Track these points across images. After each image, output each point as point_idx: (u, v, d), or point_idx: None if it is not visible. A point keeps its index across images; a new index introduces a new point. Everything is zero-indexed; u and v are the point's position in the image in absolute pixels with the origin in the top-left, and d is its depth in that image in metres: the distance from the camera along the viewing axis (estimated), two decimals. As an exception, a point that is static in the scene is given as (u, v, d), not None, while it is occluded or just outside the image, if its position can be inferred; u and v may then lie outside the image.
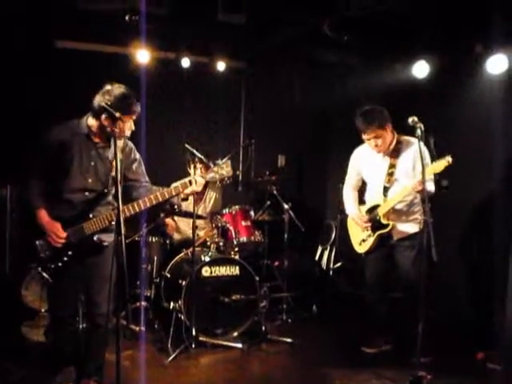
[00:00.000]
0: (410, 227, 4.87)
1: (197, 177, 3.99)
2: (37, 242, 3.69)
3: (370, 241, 5.01)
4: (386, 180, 4.88)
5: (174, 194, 3.89)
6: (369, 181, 5.13)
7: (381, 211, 4.87)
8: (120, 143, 3.61)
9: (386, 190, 4.88)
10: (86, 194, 3.80)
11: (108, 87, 3.70)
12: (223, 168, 4.11)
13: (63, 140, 3.73)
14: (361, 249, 5.15)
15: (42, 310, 5.80)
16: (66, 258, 3.74)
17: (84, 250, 3.78)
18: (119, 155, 3.32)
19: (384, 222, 4.86)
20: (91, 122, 3.77)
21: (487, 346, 4.84)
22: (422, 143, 4.18)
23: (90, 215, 3.76)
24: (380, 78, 6.46)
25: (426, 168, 4.32)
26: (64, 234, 3.71)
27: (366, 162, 5.10)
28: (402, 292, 5.11)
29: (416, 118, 4.16)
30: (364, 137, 4.87)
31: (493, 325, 4.95)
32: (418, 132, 4.12)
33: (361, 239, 5.11)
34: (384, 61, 6.49)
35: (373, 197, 5.04)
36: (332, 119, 7.89)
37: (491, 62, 5.43)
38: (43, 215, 3.71)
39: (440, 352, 4.77)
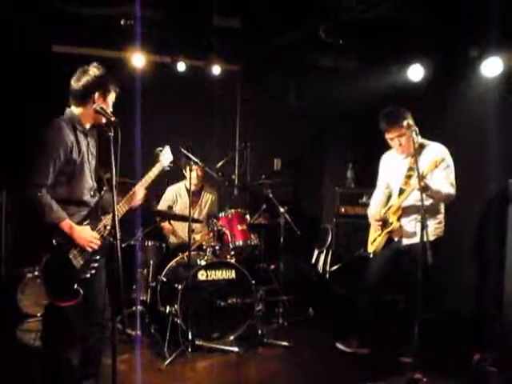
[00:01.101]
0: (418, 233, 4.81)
1: (137, 187, 3.87)
2: (70, 256, 3.50)
3: (379, 240, 5.03)
4: (404, 182, 4.87)
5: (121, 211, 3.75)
6: (391, 184, 5.11)
7: (391, 211, 4.91)
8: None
9: (401, 192, 4.87)
10: (96, 193, 3.72)
11: (81, 69, 3.62)
12: (160, 160, 4.05)
13: (70, 137, 3.53)
14: (371, 248, 5.17)
15: (38, 315, 5.80)
16: (96, 264, 3.62)
17: (104, 252, 3.67)
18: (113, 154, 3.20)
19: (390, 220, 4.89)
20: (77, 110, 3.62)
21: (484, 347, 4.85)
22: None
23: (102, 217, 3.68)
24: (375, 81, 6.47)
25: (427, 166, 4.33)
26: (98, 235, 3.59)
27: (388, 165, 5.12)
28: (402, 294, 5.10)
29: (411, 121, 4.18)
30: (387, 136, 4.85)
31: (490, 327, 4.96)
32: (413, 134, 4.14)
33: (373, 238, 5.15)
34: (379, 64, 6.51)
35: (392, 199, 5.06)
36: (328, 123, 7.90)
37: (486, 65, 5.45)
38: (71, 225, 3.50)
39: (436, 354, 4.78)
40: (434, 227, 4.79)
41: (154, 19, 5.90)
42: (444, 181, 4.62)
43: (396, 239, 4.97)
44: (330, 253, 6.87)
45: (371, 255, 5.21)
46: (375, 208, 5.20)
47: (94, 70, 3.60)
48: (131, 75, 6.29)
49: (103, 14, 5.88)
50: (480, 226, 5.65)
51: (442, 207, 4.88)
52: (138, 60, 6.38)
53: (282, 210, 6.06)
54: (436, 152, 4.66)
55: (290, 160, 7.94)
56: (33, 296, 5.83)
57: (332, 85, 7.47)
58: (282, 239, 6.08)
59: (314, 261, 7.16)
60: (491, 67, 5.42)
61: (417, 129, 4.15)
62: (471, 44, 5.55)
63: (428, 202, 4.65)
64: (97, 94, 3.57)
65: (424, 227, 3.98)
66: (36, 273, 5.90)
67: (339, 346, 5.14)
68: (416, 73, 6.06)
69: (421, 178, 4.25)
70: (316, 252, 7.17)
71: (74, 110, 3.63)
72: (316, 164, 8.09)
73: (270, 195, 6.17)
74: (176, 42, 6.53)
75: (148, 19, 5.77)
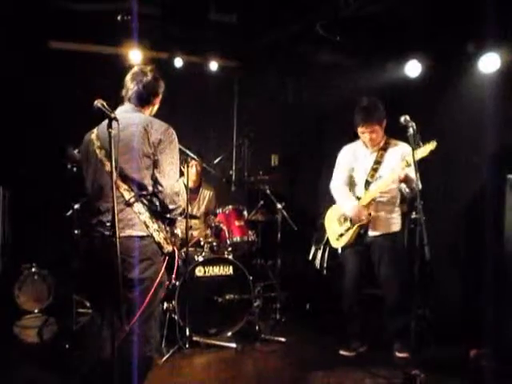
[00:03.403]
0: (389, 225, 4.93)
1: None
2: (180, 263, 3.52)
3: (349, 234, 5.01)
4: (370, 175, 4.95)
5: None
6: (355, 175, 5.14)
7: (361, 203, 4.91)
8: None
9: (367, 184, 4.95)
10: None
11: (140, 68, 3.61)
12: None
13: None
14: (338, 244, 5.17)
15: (35, 311, 5.81)
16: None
17: None
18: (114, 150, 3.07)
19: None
20: (146, 112, 3.62)
21: (480, 343, 4.86)
22: (414, 139, 4.19)
23: None
24: (372, 77, 6.46)
25: (416, 151, 4.27)
26: None
27: (354, 156, 5.14)
28: (381, 289, 5.12)
29: (408, 117, 4.17)
30: (360, 130, 4.93)
31: (486, 322, 4.96)
32: (411, 131, 4.14)
33: (338, 234, 5.14)
34: (376, 61, 6.50)
35: (357, 191, 5.08)
36: (325, 119, 7.89)
37: (483, 61, 5.45)
38: None
39: (433, 350, 4.80)
40: (400, 219, 4.98)
41: (151, 15, 5.89)
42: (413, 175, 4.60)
43: (362, 231, 4.98)
44: (327, 249, 6.86)
45: (340, 251, 5.20)
46: (350, 199, 5.05)
47: (153, 73, 3.61)
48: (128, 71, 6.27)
49: (100, 10, 5.86)
50: (477, 221, 5.65)
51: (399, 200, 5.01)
52: (135, 56, 6.37)
53: (279, 206, 6.07)
54: (404, 149, 4.82)
55: (288, 156, 7.93)
56: (30, 292, 5.84)
57: (329, 81, 7.46)
58: (279, 235, 6.09)
59: (311, 257, 7.15)
60: (488, 63, 5.42)
61: (414, 124, 4.14)
62: (468, 40, 5.54)
63: (388, 195, 4.88)
64: (158, 99, 3.64)
65: (421, 224, 3.98)
66: (33, 269, 5.91)
67: (343, 353, 5.10)
68: (413, 69, 6.05)
69: (402, 170, 4.44)
70: (313, 248, 7.16)
71: (145, 112, 3.61)
72: (313, 160, 8.07)
73: (268, 191, 6.18)
74: (173, 37, 6.52)
75: (145, 15, 5.75)
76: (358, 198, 4.97)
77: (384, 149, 4.98)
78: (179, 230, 4.07)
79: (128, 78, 3.56)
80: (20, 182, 6.12)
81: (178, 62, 6.70)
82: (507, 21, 4.86)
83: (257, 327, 5.39)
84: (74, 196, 5.21)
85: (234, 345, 5.13)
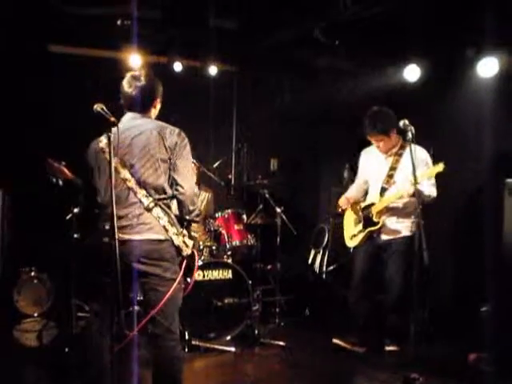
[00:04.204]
0: (400, 230, 4.96)
1: None
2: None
3: (360, 236, 5.11)
4: (385, 181, 4.97)
5: None
6: (370, 179, 5.20)
7: (374, 209, 4.96)
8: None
9: (383, 190, 4.97)
10: None
11: (131, 75, 3.53)
12: None
13: None
14: (351, 243, 5.27)
15: (35, 315, 5.80)
16: None
17: None
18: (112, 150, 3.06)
19: (375, 219, 4.95)
20: (152, 116, 3.63)
21: (479, 347, 4.86)
22: (413, 146, 4.22)
23: None
24: (371, 81, 6.48)
25: (423, 173, 4.48)
26: None
27: (370, 160, 5.20)
28: (383, 293, 5.16)
29: (407, 121, 4.19)
30: (367, 137, 4.99)
31: (485, 326, 4.96)
32: (409, 135, 4.15)
33: (352, 234, 5.23)
34: (375, 65, 6.51)
35: (371, 195, 5.14)
36: (324, 123, 7.90)
37: (482, 65, 5.46)
38: None
39: (432, 353, 4.81)
40: (411, 224, 4.96)
41: (151, 19, 5.90)
42: (430, 182, 4.77)
43: (375, 235, 5.05)
44: (327, 253, 6.87)
45: (351, 250, 5.33)
46: (347, 194, 5.32)
47: (147, 76, 3.56)
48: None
49: (100, 14, 5.87)
50: (476, 225, 5.66)
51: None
52: (134, 60, 6.37)
53: (278, 210, 6.08)
54: (420, 155, 4.80)
55: (287, 160, 7.94)
56: (29, 296, 5.84)
57: (328, 85, 7.48)
58: (278, 239, 6.09)
59: (310, 261, 7.16)
60: (487, 67, 5.43)
61: (413, 128, 4.15)
62: (467, 44, 5.56)
63: (402, 202, 4.87)
64: (158, 100, 3.63)
65: (420, 228, 4.01)
66: (32, 273, 5.91)
67: (336, 341, 5.15)
68: (412, 73, 6.06)
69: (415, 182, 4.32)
70: (312, 252, 7.18)
71: (151, 116, 3.61)
72: (313, 164, 8.10)
73: (267, 195, 6.18)
74: (173, 42, 6.53)
75: (145, 19, 5.77)
76: (373, 204, 5.00)
77: (399, 154, 4.98)
78: (196, 234, 4.08)
79: (123, 86, 3.52)
80: (20, 185, 6.11)
81: (178, 67, 6.71)
82: (506, 26, 4.87)
83: (256, 331, 5.38)
84: (74, 200, 5.22)
85: (233, 349, 5.13)
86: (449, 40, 5.60)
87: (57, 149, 4.79)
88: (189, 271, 3.57)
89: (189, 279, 3.68)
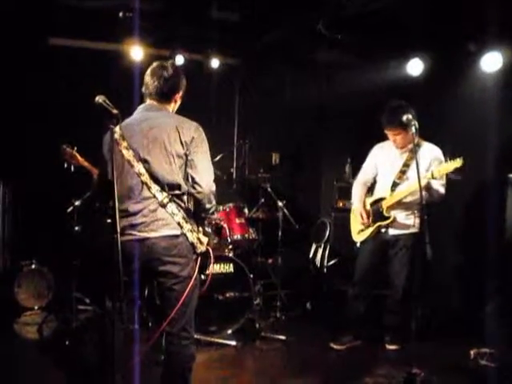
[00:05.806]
0: (409, 225, 4.93)
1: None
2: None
3: (368, 231, 5.07)
4: (398, 176, 4.93)
5: None
6: (381, 174, 5.15)
7: (385, 204, 4.93)
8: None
9: (394, 185, 4.93)
10: None
11: (159, 63, 3.46)
12: None
13: None
14: (358, 238, 5.22)
15: (35, 308, 5.80)
16: None
17: None
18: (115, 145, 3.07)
19: (386, 214, 4.93)
20: (170, 109, 3.55)
21: (480, 343, 4.86)
22: (422, 142, 4.21)
23: None
24: (374, 75, 6.45)
25: (441, 168, 4.47)
26: None
27: (383, 155, 5.14)
28: (387, 289, 5.15)
29: (410, 116, 4.17)
30: (385, 131, 4.93)
31: (486, 322, 4.97)
32: (413, 129, 4.13)
33: (360, 228, 5.18)
34: (378, 59, 6.49)
35: (381, 190, 5.09)
36: (326, 117, 7.89)
37: (486, 59, 5.45)
38: None
39: (434, 349, 4.80)
40: (420, 220, 4.89)
41: (153, 12, 5.88)
42: (440, 181, 4.74)
43: (383, 230, 5.02)
44: (328, 247, 6.86)
45: (358, 245, 5.27)
46: (359, 201, 5.20)
47: (174, 67, 3.50)
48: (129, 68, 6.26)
49: (101, 7, 5.85)
50: (479, 220, 5.65)
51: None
52: (136, 53, 6.35)
53: (280, 204, 6.06)
54: (435, 153, 4.82)
55: (289, 154, 7.92)
56: (30, 289, 5.83)
57: (331, 79, 7.46)
58: (280, 233, 6.08)
59: (311, 255, 7.15)
60: (491, 62, 5.42)
61: (417, 123, 4.13)
62: (470, 39, 5.54)
63: (413, 197, 4.78)
64: (180, 94, 3.56)
65: (424, 223, 4.00)
66: (33, 266, 5.90)
67: (333, 346, 5.15)
68: (415, 67, 6.05)
69: (422, 177, 4.34)
70: (314, 246, 7.16)
71: (168, 109, 3.53)
72: (314, 158, 8.08)
73: (269, 189, 6.17)
74: (175, 35, 6.50)
75: (147, 12, 5.74)
76: (383, 199, 4.98)
77: (415, 151, 4.91)
78: (210, 230, 4.03)
79: (147, 73, 3.44)
80: (20, 179, 6.11)
81: (180, 60, 6.69)
82: (509, 20, 4.85)
83: (257, 325, 5.38)
84: (75, 192, 5.22)
85: (234, 342, 5.12)
86: (452, 34, 5.58)
87: (57, 140, 4.79)
88: (204, 269, 3.52)
89: (203, 276, 3.64)
